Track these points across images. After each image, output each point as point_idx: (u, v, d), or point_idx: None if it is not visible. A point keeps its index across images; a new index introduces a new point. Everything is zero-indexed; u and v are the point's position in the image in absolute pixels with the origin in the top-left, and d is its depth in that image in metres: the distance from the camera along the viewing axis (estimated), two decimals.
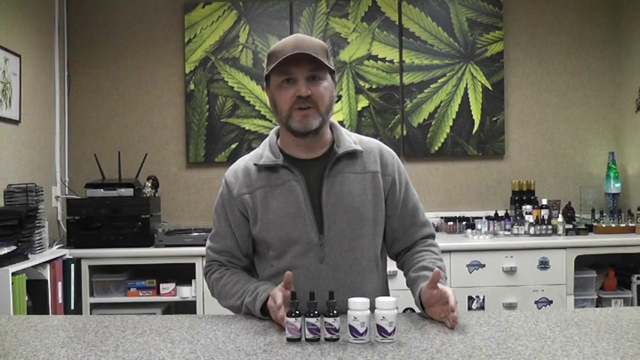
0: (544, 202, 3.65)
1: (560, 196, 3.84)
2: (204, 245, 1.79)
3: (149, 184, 3.57)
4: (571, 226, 3.52)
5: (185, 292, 3.32)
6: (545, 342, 1.32)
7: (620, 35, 3.92)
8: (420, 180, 3.89)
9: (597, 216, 3.60)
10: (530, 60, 3.95)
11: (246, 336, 1.41)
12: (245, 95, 3.87)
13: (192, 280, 3.30)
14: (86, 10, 3.90)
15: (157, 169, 3.82)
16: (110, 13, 3.91)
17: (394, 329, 1.33)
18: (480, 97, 3.88)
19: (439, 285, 1.46)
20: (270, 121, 3.84)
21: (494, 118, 3.89)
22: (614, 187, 3.70)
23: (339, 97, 3.86)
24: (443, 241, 3.40)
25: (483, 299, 3.28)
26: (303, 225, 1.59)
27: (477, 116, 3.89)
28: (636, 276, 3.40)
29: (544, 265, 3.29)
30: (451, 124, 3.89)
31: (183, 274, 3.34)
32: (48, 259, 2.98)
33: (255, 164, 1.65)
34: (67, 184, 3.80)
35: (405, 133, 3.88)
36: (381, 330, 1.33)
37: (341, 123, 3.73)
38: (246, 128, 3.87)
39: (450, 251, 3.28)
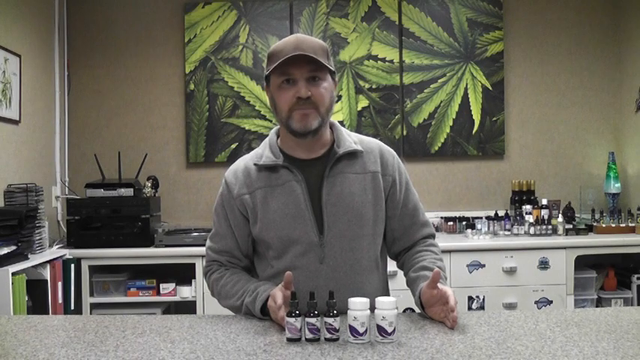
0: (544, 202, 3.65)
1: (560, 196, 3.84)
2: (204, 245, 1.79)
3: (149, 184, 3.57)
4: (571, 226, 3.52)
5: (185, 292, 3.32)
6: (545, 342, 1.32)
7: (620, 35, 3.92)
8: (420, 180, 3.89)
9: (597, 216, 3.60)
10: (530, 60, 3.95)
11: (246, 336, 1.41)
12: (245, 95, 3.87)
13: (192, 280, 3.30)
14: (86, 10, 3.90)
15: (156, 169, 3.82)
16: (110, 13, 3.91)
17: (394, 329, 1.33)
18: (480, 97, 3.88)
19: (439, 285, 1.46)
20: (270, 121, 3.84)
21: (495, 118, 3.89)
22: (614, 187, 3.70)
23: (339, 97, 3.86)
24: (443, 241, 3.40)
25: (483, 299, 3.28)
26: (303, 225, 1.59)
27: (477, 116, 3.89)
28: (636, 276, 3.40)
29: (544, 265, 3.29)
30: (451, 124, 3.89)
31: (183, 274, 3.34)
32: (48, 259, 2.98)
33: (255, 164, 1.65)
34: (67, 184, 3.80)
35: (405, 133, 3.88)
36: (381, 330, 1.33)
37: (341, 123, 3.72)
38: (246, 128, 3.87)
39: (450, 251, 3.28)
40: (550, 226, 3.48)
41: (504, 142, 3.91)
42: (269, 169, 1.63)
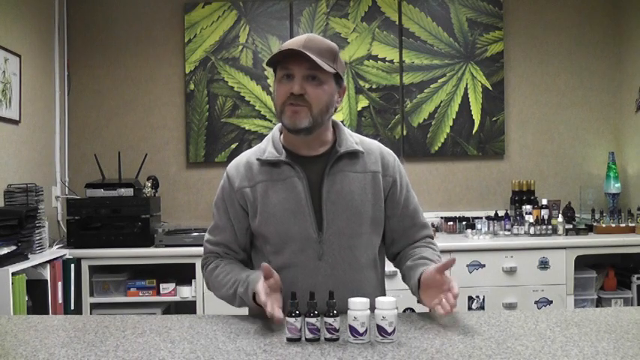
0: (544, 202, 3.65)
1: (560, 196, 3.84)
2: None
3: (149, 184, 3.57)
4: (571, 226, 3.52)
5: (185, 292, 3.32)
6: (545, 342, 1.32)
7: (620, 35, 3.92)
8: (420, 180, 3.89)
9: (597, 216, 3.60)
10: (530, 60, 3.95)
11: (246, 336, 1.41)
12: (245, 95, 3.87)
13: (192, 280, 3.30)
14: (86, 10, 3.90)
15: (156, 169, 3.82)
16: (110, 13, 3.91)
17: (394, 329, 1.33)
18: (480, 97, 3.88)
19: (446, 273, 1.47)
20: (270, 121, 3.84)
21: (495, 118, 3.89)
22: (614, 187, 3.70)
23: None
24: (443, 241, 3.40)
25: (483, 299, 3.28)
26: (302, 221, 1.60)
27: (477, 116, 3.89)
28: (636, 276, 3.40)
29: (544, 265, 3.29)
30: (451, 124, 3.89)
31: (183, 274, 3.34)
32: (48, 259, 2.98)
33: (257, 159, 1.67)
34: (67, 184, 3.80)
35: (405, 133, 3.88)
36: (381, 330, 1.33)
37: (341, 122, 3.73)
38: (246, 128, 3.87)
39: (450, 251, 3.28)
40: (550, 226, 3.48)
41: (504, 142, 3.91)
42: (271, 165, 1.65)
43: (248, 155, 1.71)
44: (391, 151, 1.74)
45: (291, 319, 1.34)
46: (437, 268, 1.49)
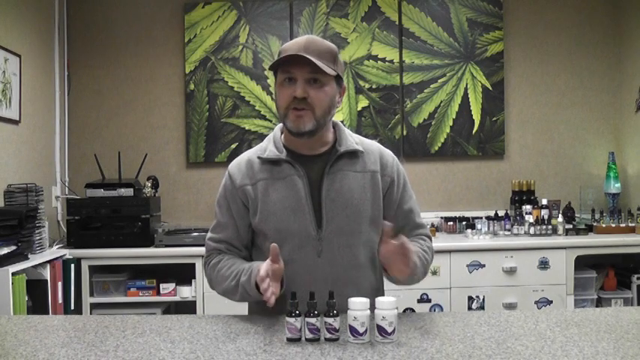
0: (544, 202, 3.65)
1: (560, 196, 3.84)
2: (204, 245, 1.79)
3: (149, 184, 3.57)
4: (571, 226, 3.52)
5: (185, 292, 3.32)
6: (545, 342, 1.32)
7: (620, 35, 3.92)
8: (420, 180, 3.89)
9: (597, 216, 3.60)
10: (530, 60, 3.95)
11: (246, 336, 1.42)
12: (245, 95, 3.87)
13: (192, 280, 3.30)
14: (86, 10, 3.90)
15: (157, 169, 3.82)
16: (110, 13, 3.91)
17: (394, 329, 1.33)
18: (480, 97, 3.88)
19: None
20: (270, 121, 3.84)
21: (494, 118, 3.89)
22: (614, 187, 3.70)
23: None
24: (443, 241, 3.40)
25: (483, 299, 3.28)
26: (302, 218, 1.61)
27: (477, 116, 3.89)
28: (636, 276, 3.40)
29: (544, 265, 3.29)
30: (451, 124, 3.89)
31: (183, 274, 3.34)
32: (48, 259, 2.98)
33: (258, 157, 1.69)
34: (67, 184, 3.80)
35: (405, 133, 3.88)
36: (381, 330, 1.33)
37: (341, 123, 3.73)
38: (246, 128, 3.87)
39: (450, 251, 3.28)
40: (550, 226, 3.48)
41: (504, 142, 3.91)
42: (272, 163, 1.67)
43: (249, 154, 1.73)
44: (390, 152, 1.76)
45: (291, 319, 1.34)
46: (381, 243, 1.51)
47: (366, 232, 1.66)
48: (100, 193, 3.44)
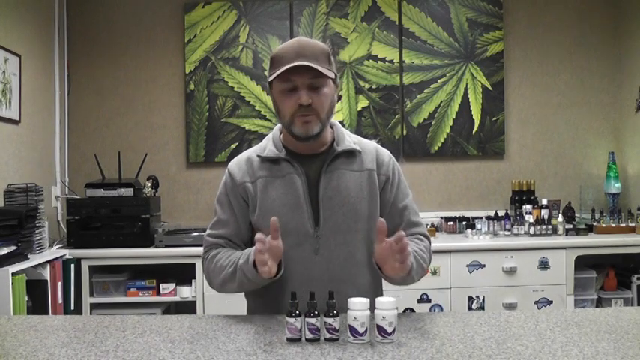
0: (544, 202, 3.65)
1: (560, 196, 3.84)
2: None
3: (149, 184, 3.57)
4: (571, 226, 3.52)
5: (185, 292, 3.32)
6: (545, 342, 1.32)
7: (619, 35, 3.92)
8: (420, 180, 3.89)
9: (597, 216, 3.60)
10: (530, 60, 3.95)
11: (246, 336, 1.42)
12: (245, 95, 3.87)
13: (192, 280, 3.30)
14: (86, 10, 3.90)
15: (157, 169, 3.82)
16: (110, 14, 3.91)
17: (394, 329, 1.33)
18: (480, 97, 3.88)
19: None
20: (270, 121, 3.84)
21: (495, 118, 3.89)
22: (614, 187, 3.70)
23: (339, 98, 3.85)
24: (443, 241, 3.40)
25: (483, 299, 3.28)
26: (299, 216, 1.63)
27: (477, 116, 3.89)
28: (636, 276, 3.40)
29: (544, 265, 3.29)
30: (451, 124, 3.89)
31: (183, 274, 3.34)
32: (48, 259, 2.98)
33: (258, 156, 1.71)
34: (67, 184, 3.80)
35: (405, 133, 3.88)
36: (381, 330, 1.33)
37: (341, 123, 3.72)
38: (246, 128, 3.87)
39: (450, 251, 3.28)
40: (550, 226, 3.48)
41: (504, 142, 3.91)
42: (271, 161, 1.69)
43: (249, 153, 1.75)
44: (387, 151, 1.77)
45: (291, 319, 1.34)
46: (376, 242, 1.50)
47: (363, 231, 1.66)
48: (100, 193, 3.44)
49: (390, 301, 1.34)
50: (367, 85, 3.87)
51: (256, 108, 3.87)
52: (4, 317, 1.68)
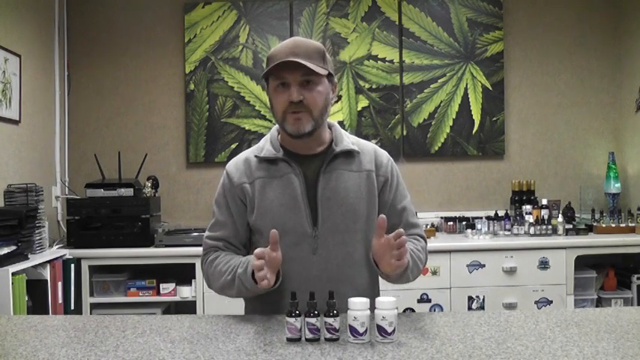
0: (544, 202, 3.65)
1: (560, 196, 3.84)
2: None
3: (149, 184, 3.57)
4: (571, 226, 3.52)
5: (185, 292, 3.32)
6: (545, 342, 1.32)
7: (619, 35, 3.92)
8: (420, 180, 3.89)
9: (597, 216, 3.60)
10: (530, 60, 3.95)
11: (246, 336, 1.42)
12: (245, 95, 3.87)
13: (192, 280, 3.30)
14: (86, 10, 3.90)
15: (157, 169, 3.82)
16: (110, 14, 3.91)
17: (394, 329, 1.33)
18: (480, 97, 3.88)
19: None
20: (270, 121, 3.84)
21: (495, 118, 3.89)
22: (614, 187, 3.70)
23: (339, 98, 3.86)
24: (443, 241, 3.41)
25: (483, 299, 3.28)
26: (298, 216, 1.63)
27: (477, 116, 3.89)
28: (636, 276, 3.40)
29: (544, 265, 3.29)
30: (451, 124, 3.89)
31: (183, 274, 3.34)
32: (48, 259, 2.98)
33: (255, 156, 1.71)
34: (67, 184, 3.80)
35: (405, 133, 3.88)
36: (381, 330, 1.33)
37: (341, 123, 3.73)
38: (246, 128, 3.87)
39: (450, 251, 3.28)
40: (550, 226, 3.48)
41: (504, 142, 3.91)
42: (269, 162, 1.69)
43: (247, 153, 1.75)
44: (385, 152, 1.78)
45: (291, 319, 1.34)
46: (375, 237, 1.51)
47: (362, 231, 1.67)
48: (100, 193, 3.44)
49: (390, 301, 1.34)
50: (367, 85, 3.87)
51: (256, 108, 3.87)
52: (4, 317, 1.68)
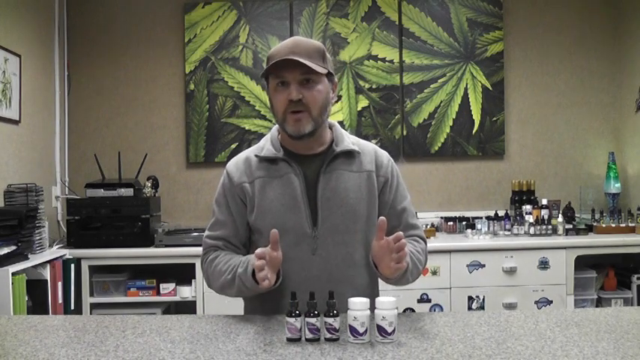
0: (544, 202, 3.65)
1: (560, 196, 3.84)
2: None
3: (149, 184, 3.57)
4: (571, 226, 3.52)
5: (185, 292, 3.32)
6: (545, 342, 1.32)
7: (620, 35, 3.92)
8: (420, 180, 3.89)
9: (597, 216, 3.60)
10: (530, 60, 3.95)
11: (246, 336, 1.42)
12: (245, 95, 3.87)
13: (192, 280, 3.30)
14: (86, 10, 3.90)
15: (157, 169, 3.82)
16: (110, 14, 3.91)
17: (394, 329, 1.33)
18: (480, 97, 3.88)
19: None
20: (270, 121, 3.84)
21: (495, 118, 3.89)
22: (614, 187, 3.70)
23: (339, 97, 3.86)
24: (443, 241, 3.41)
25: (483, 299, 3.28)
26: (297, 216, 1.63)
27: (477, 116, 3.89)
28: (636, 276, 3.40)
29: (544, 265, 3.29)
30: (451, 124, 3.89)
31: (183, 274, 3.34)
32: (48, 259, 2.98)
33: (256, 155, 1.71)
34: (67, 184, 3.80)
35: (405, 133, 3.88)
36: (381, 330, 1.33)
37: (341, 123, 3.73)
38: (246, 128, 3.87)
39: (450, 251, 3.28)
40: (550, 226, 3.48)
41: (504, 142, 3.91)
42: (269, 161, 1.69)
43: (247, 153, 1.75)
44: (386, 153, 1.78)
45: (291, 319, 1.34)
46: (375, 239, 1.51)
47: (362, 231, 1.67)
48: (100, 193, 3.44)
49: (390, 301, 1.34)
50: (367, 85, 3.87)
51: (256, 108, 3.87)
52: (4, 317, 1.68)
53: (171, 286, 3.33)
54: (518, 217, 3.55)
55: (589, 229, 3.51)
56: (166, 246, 3.32)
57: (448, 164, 3.94)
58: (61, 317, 1.78)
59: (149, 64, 3.91)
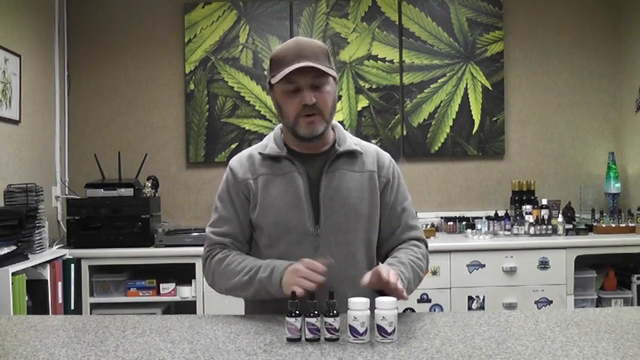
0: (544, 202, 3.65)
1: (560, 196, 3.84)
2: (204, 245, 1.78)
3: (149, 184, 3.57)
4: (571, 226, 3.52)
5: (185, 292, 3.32)
6: (545, 342, 1.32)
7: (620, 35, 3.92)
8: (420, 180, 3.89)
9: (597, 216, 3.60)
10: (530, 60, 3.95)
11: (246, 336, 1.42)
12: (245, 95, 3.87)
13: (192, 280, 3.30)
14: (86, 10, 3.90)
15: (157, 169, 3.82)
16: (110, 13, 3.91)
17: (394, 329, 1.33)
18: (480, 97, 3.88)
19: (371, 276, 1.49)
20: (270, 121, 3.84)
21: (495, 118, 3.89)
22: (614, 187, 3.70)
23: (339, 97, 3.86)
24: (443, 241, 3.41)
25: (483, 299, 3.28)
26: (300, 214, 1.63)
27: (477, 116, 3.89)
28: (636, 276, 3.40)
29: (544, 265, 3.29)
30: (451, 124, 3.89)
31: (183, 274, 3.34)
32: (48, 259, 2.98)
33: (260, 153, 1.71)
34: (67, 184, 3.80)
35: (405, 133, 3.88)
36: (381, 330, 1.33)
37: (341, 123, 3.71)
38: (246, 128, 3.87)
39: (450, 251, 3.28)
40: (550, 226, 3.48)
41: (504, 142, 3.91)
42: (272, 159, 1.69)
43: (250, 150, 1.75)
44: (387, 153, 1.78)
45: (291, 319, 1.34)
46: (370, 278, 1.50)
47: (363, 231, 1.67)
48: (100, 193, 3.44)
49: (390, 301, 1.34)
50: (367, 85, 3.87)
51: (256, 108, 3.87)
52: (4, 317, 1.68)
53: (171, 286, 3.33)
54: (518, 217, 3.55)
55: (589, 229, 3.51)
56: (166, 246, 3.32)
57: (448, 164, 3.94)
58: (61, 317, 1.78)
59: (149, 64, 3.91)
